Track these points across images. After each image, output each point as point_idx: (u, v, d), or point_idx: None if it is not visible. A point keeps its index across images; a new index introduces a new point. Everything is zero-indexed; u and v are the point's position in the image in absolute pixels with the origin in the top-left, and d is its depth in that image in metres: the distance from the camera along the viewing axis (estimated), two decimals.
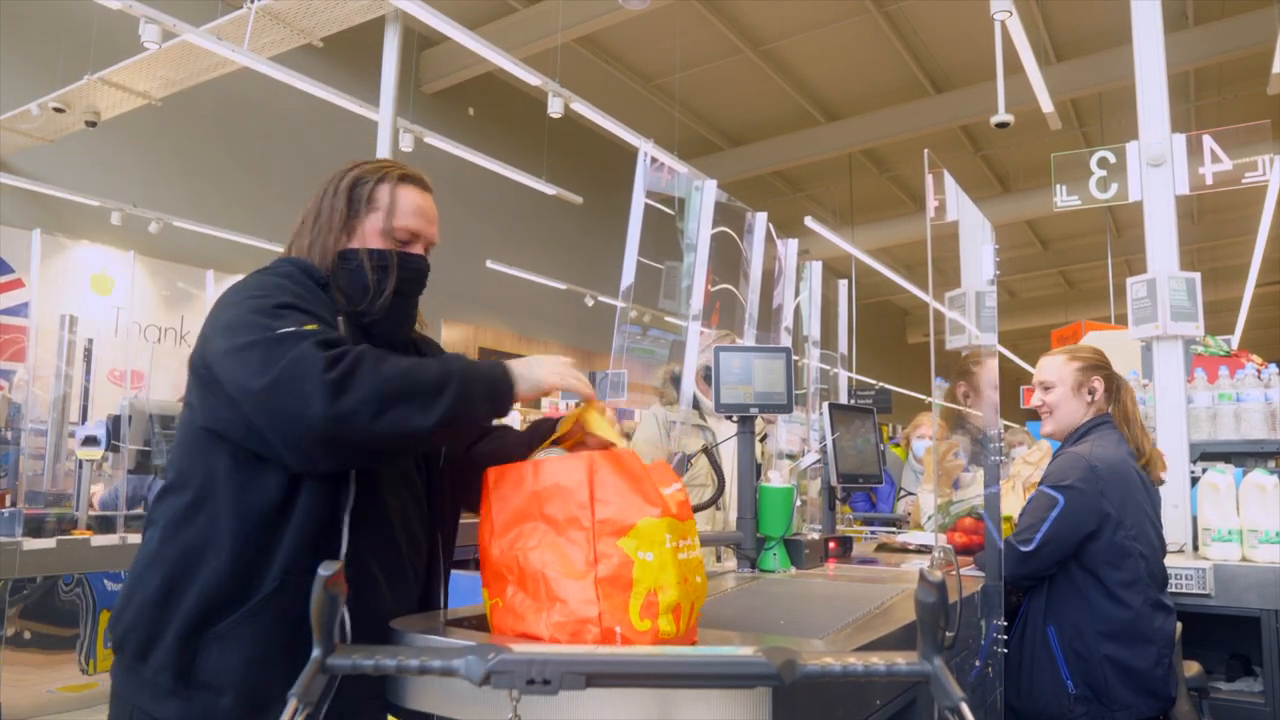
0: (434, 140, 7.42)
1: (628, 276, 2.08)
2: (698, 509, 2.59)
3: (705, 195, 2.29)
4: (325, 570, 0.97)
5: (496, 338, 11.84)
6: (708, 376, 2.53)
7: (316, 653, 0.97)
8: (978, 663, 1.99)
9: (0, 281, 7.55)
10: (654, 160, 2.08)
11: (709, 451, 2.42)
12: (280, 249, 1.62)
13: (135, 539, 4.04)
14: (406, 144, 6.55)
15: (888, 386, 11.84)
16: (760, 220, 2.65)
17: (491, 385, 1.39)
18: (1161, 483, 2.77)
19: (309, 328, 1.30)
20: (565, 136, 11.25)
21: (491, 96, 11.51)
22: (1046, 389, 2.76)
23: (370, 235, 1.55)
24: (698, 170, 8.47)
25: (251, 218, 8.67)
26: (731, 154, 13.57)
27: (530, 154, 10.50)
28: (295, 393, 1.22)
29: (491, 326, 11.76)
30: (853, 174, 14.18)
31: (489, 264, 10.41)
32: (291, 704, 0.93)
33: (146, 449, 4.31)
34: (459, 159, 8.30)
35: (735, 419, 2.39)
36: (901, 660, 0.95)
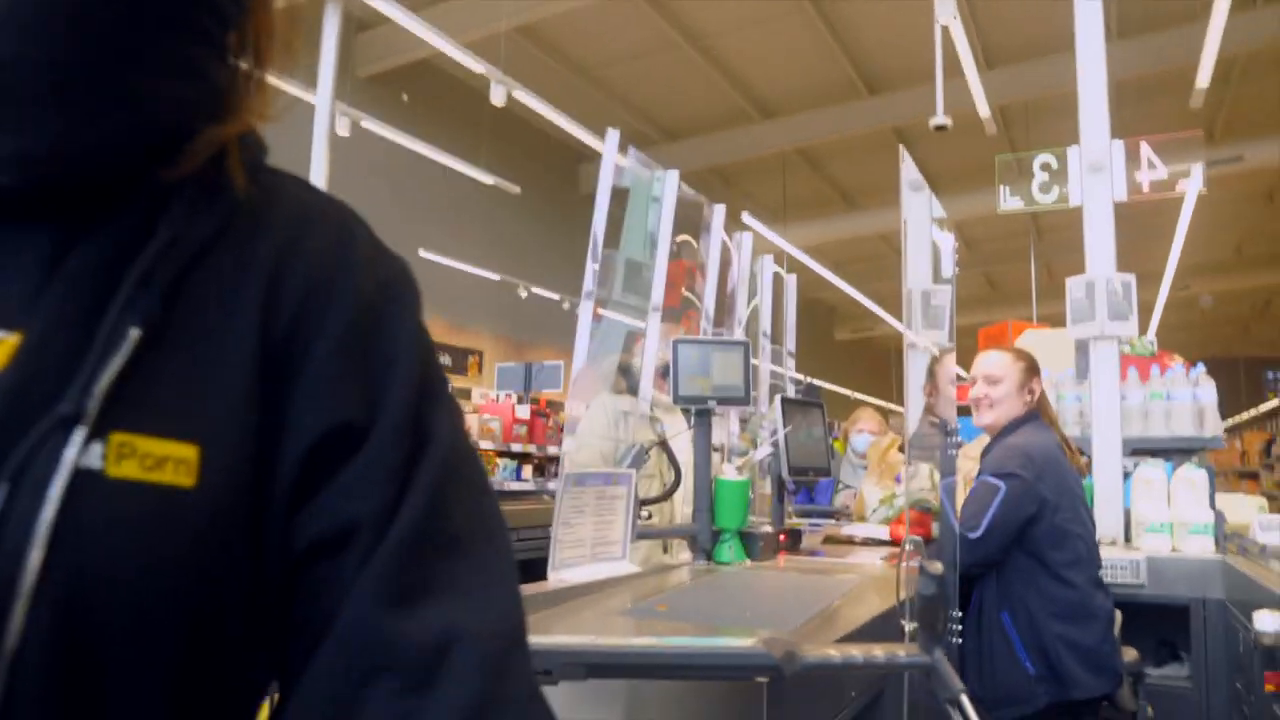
0: (371, 125, 7.26)
1: (590, 280, 2.04)
2: (653, 502, 2.59)
3: (667, 186, 2.28)
4: None
5: (429, 327, 11.63)
6: (664, 370, 2.52)
7: None
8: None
9: None
10: (622, 150, 2.05)
11: (666, 444, 2.41)
12: None
13: None
14: (343, 128, 6.40)
15: (815, 382, 11.99)
16: (719, 213, 2.65)
17: None
18: (1083, 472, 2.90)
19: None
20: (501, 127, 11.12)
21: (427, 83, 11.32)
22: (992, 383, 2.83)
23: None
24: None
25: None
26: (668, 148, 13.59)
27: (465, 143, 10.35)
28: None
29: (424, 315, 11.57)
30: (786, 172, 14.32)
31: (422, 253, 10.24)
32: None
33: None
34: (393, 146, 8.14)
35: (692, 411, 2.39)
36: (902, 652, 0.95)
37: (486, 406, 7.28)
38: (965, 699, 0.89)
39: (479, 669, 0.47)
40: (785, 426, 2.72)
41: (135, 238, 0.49)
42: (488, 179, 8.88)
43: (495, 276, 11.42)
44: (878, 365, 24.19)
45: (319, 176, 5.01)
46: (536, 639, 0.93)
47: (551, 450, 7.46)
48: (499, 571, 0.54)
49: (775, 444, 2.71)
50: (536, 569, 1.73)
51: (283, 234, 0.56)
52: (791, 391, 3.58)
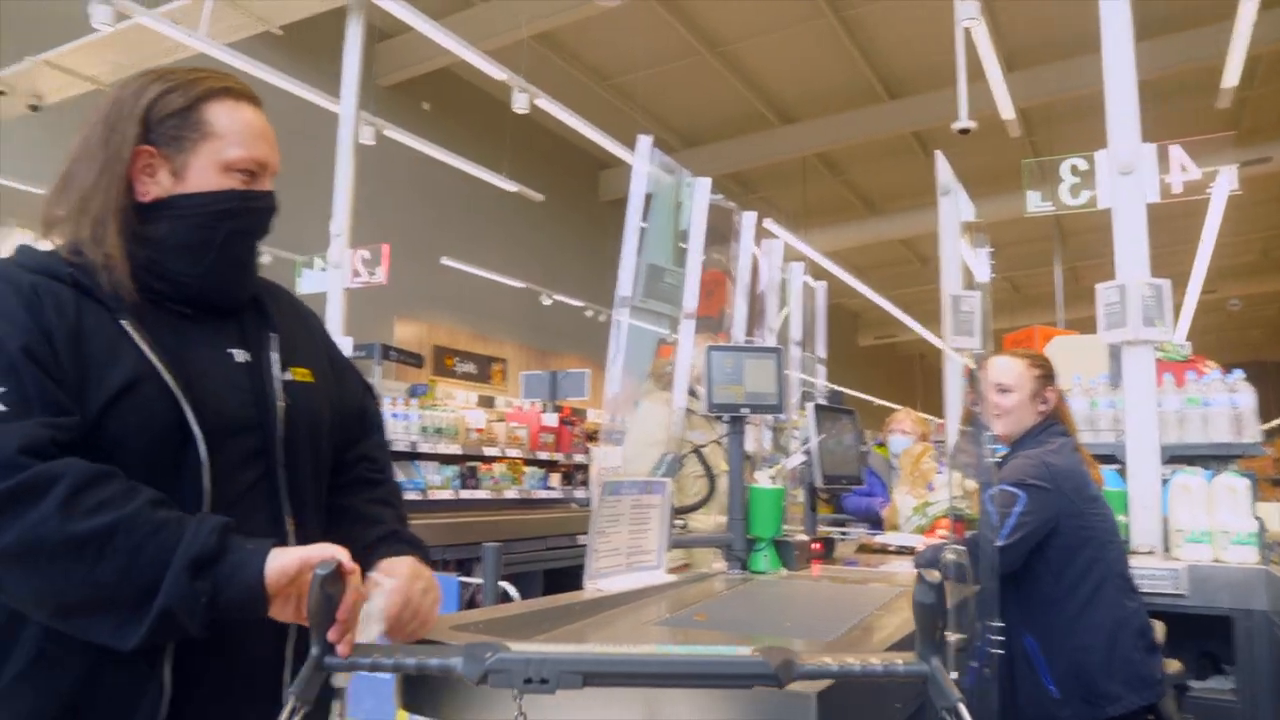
0: (394, 134, 7.29)
1: (624, 285, 2.02)
2: (688, 510, 2.57)
3: (698, 192, 2.26)
4: (323, 570, 0.96)
5: (451, 336, 11.70)
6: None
7: (314, 652, 0.96)
8: (974, 664, 2.00)
9: None
10: (653, 153, 2.04)
11: (699, 451, 2.39)
12: None
13: None
14: (367, 137, 6.43)
15: (839, 389, 11.94)
16: (748, 221, 2.63)
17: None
18: (1101, 482, 2.82)
19: None
20: (522, 134, 11.15)
21: (447, 92, 11.37)
22: (1004, 391, 2.74)
23: (197, 176, 1.24)
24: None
25: None
26: (687, 155, 13.59)
27: (486, 151, 10.38)
28: None
29: (445, 324, 11.62)
30: (806, 178, 14.29)
31: (444, 261, 10.28)
32: (290, 703, 0.92)
33: None
34: (415, 154, 8.18)
35: (726, 419, 2.37)
36: (899, 660, 0.95)
37: (513, 415, 7.28)
38: (962, 707, 0.89)
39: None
40: (818, 434, 2.69)
41: (258, 307, 1.37)
42: (510, 186, 8.90)
43: (518, 284, 11.44)
44: (902, 371, 24.12)
45: (344, 185, 5.04)
46: (533, 646, 0.93)
47: (578, 459, 7.45)
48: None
49: (808, 452, 2.68)
50: (566, 576, 1.72)
51: (301, 305, 1.51)
52: (823, 394, 3.55)
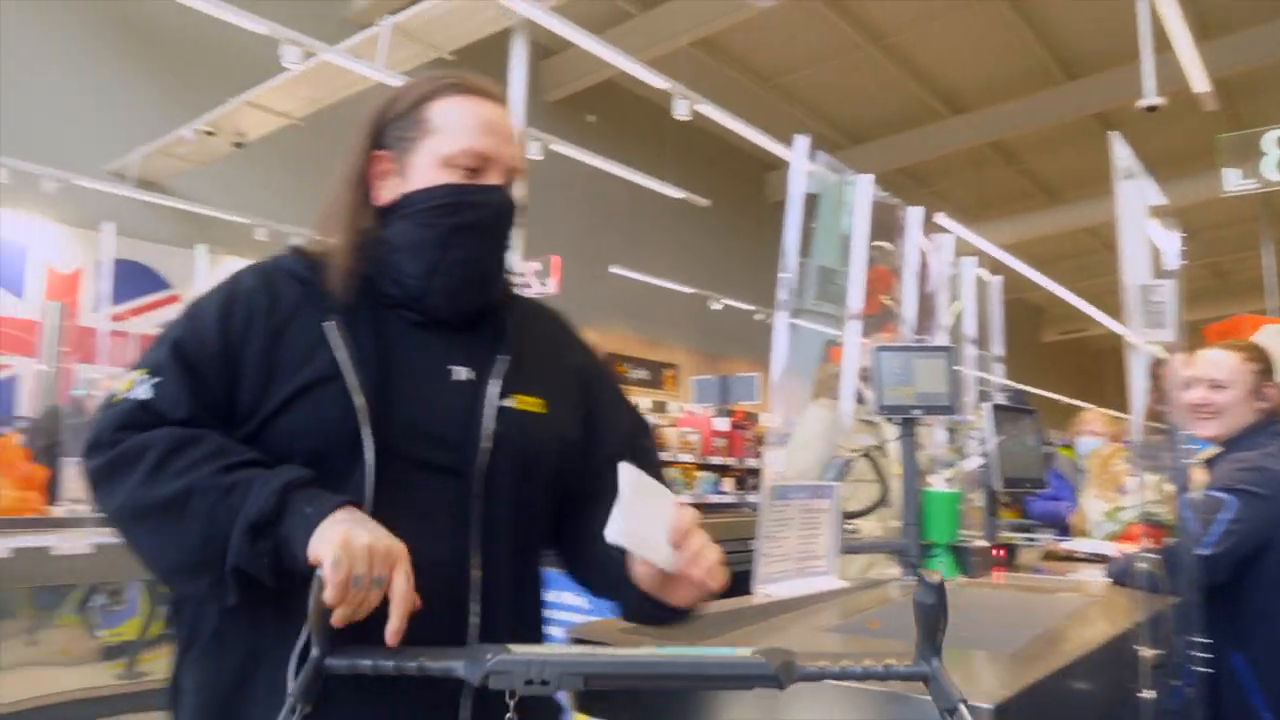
0: (560, 148, 7.50)
1: (784, 289, 2.00)
2: (859, 515, 2.53)
3: (860, 191, 2.22)
4: (323, 571, 0.96)
5: (622, 343, 11.91)
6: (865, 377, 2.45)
7: (315, 653, 0.95)
8: (1178, 683, 1.86)
9: (158, 297, 8.00)
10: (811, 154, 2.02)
11: (870, 454, 2.34)
12: None
13: None
14: (535, 152, 6.65)
15: (1022, 387, 11.41)
16: (915, 216, 2.55)
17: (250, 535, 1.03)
18: None
19: (121, 393, 1.12)
20: (686, 140, 11.23)
21: (611, 103, 11.60)
22: (1217, 388, 2.51)
23: (419, 174, 1.23)
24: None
25: None
26: (853, 152, 13.32)
27: (651, 159, 10.52)
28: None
29: (616, 332, 11.83)
30: (981, 168, 13.74)
31: (613, 269, 10.48)
32: (289, 703, 0.92)
33: None
34: (583, 167, 8.39)
35: (898, 421, 2.31)
36: (899, 661, 0.95)
37: (685, 420, 7.35)
38: (964, 709, 0.89)
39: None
40: (996, 435, 2.59)
41: (497, 325, 1.27)
42: (676, 193, 8.98)
43: (687, 290, 11.52)
44: (1091, 368, 22.74)
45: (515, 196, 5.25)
46: (534, 648, 0.94)
47: (750, 463, 7.43)
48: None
49: (986, 454, 2.58)
50: (740, 581, 1.73)
51: (564, 323, 1.44)
52: (1001, 398, 3.40)
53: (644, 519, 1.07)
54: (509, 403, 1.21)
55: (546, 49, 10.56)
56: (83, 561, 2.82)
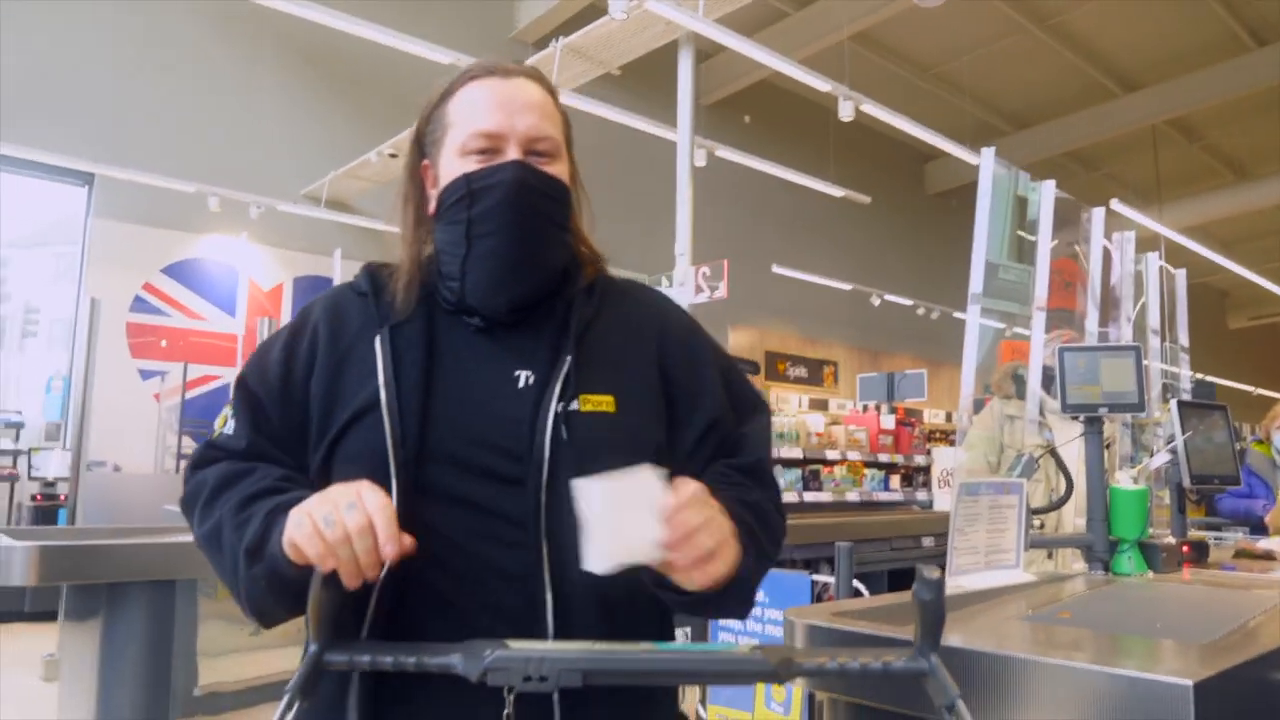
0: (724, 153, 7.65)
1: (976, 282, 2.10)
2: (1043, 511, 2.58)
3: (1044, 195, 2.28)
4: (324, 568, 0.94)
5: (782, 341, 11.97)
6: (1050, 380, 2.51)
7: (314, 648, 0.93)
8: None
9: None
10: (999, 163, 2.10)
11: (1055, 453, 2.39)
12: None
13: None
14: (699, 159, 6.82)
15: (1207, 378, 10.80)
16: (1098, 217, 2.58)
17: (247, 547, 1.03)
18: None
19: (217, 431, 1.16)
20: (844, 135, 11.19)
21: (767, 102, 11.66)
22: None
23: (445, 174, 1.17)
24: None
25: None
26: (1018, 138, 12.92)
27: (807, 153, 10.54)
28: None
29: (777, 330, 11.90)
30: (1157, 146, 13.05)
31: (775, 269, 10.55)
32: (286, 697, 0.90)
33: None
34: (741, 168, 8.51)
35: (1082, 419, 2.36)
36: (898, 658, 0.95)
37: (851, 418, 7.37)
38: (961, 704, 0.88)
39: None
40: (1183, 432, 2.58)
41: (563, 318, 1.17)
42: (837, 192, 8.98)
43: (846, 286, 11.48)
44: None
45: (684, 207, 5.41)
46: (533, 644, 0.95)
47: (918, 460, 7.38)
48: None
49: (1173, 451, 2.58)
50: (908, 577, 1.80)
51: (654, 309, 1.28)
52: (1188, 388, 3.35)
53: (627, 524, 0.94)
54: (572, 405, 1.11)
55: (702, 53, 10.73)
56: None
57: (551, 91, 1.22)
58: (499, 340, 1.16)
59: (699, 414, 1.21)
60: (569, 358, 1.13)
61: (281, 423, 1.14)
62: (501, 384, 1.13)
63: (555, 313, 1.18)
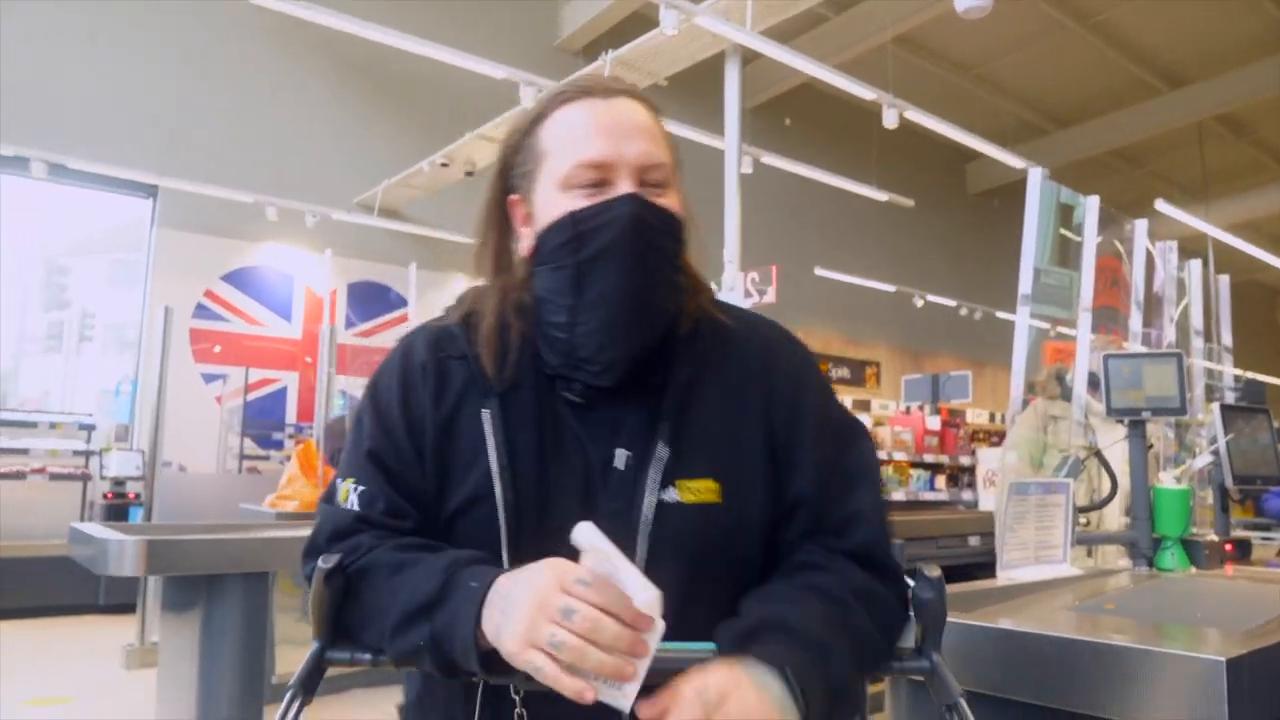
0: (770, 160, 7.76)
1: (1025, 284, 2.21)
2: (1088, 510, 2.69)
3: (1089, 209, 2.39)
4: (325, 563, 0.92)
5: (824, 342, 12.04)
6: (1093, 382, 2.62)
7: (316, 645, 0.94)
8: None
9: (398, 314, 8.91)
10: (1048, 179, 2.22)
11: (1100, 454, 2.50)
12: None
13: None
14: (746, 166, 6.94)
15: (1257, 377, 10.70)
16: (1140, 229, 2.69)
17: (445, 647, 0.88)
18: None
19: (340, 503, 1.04)
20: (885, 137, 11.25)
21: (807, 105, 11.73)
22: None
23: (543, 211, 1.03)
24: (1027, 158, 8.19)
25: None
26: (1060, 136, 12.87)
27: (849, 155, 10.60)
28: None
29: (820, 332, 11.97)
30: (1204, 142, 12.93)
31: (818, 271, 10.62)
32: (288, 694, 0.90)
33: None
34: (784, 172, 8.62)
35: (1126, 422, 2.46)
36: (900, 656, 0.97)
37: (896, 418, 7.45)
38: (963, 702, 0.88)
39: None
40: (1226, 434, 2.67)
41: (661, 384, 1.02)
42: (880, 196, 9.05)
43: (889, 288, 11.51)
44: None
45: (732, 214, 5.54)
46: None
47: (964, 460, 7.45)
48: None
49: (1215, 452, 2.68)
50: (956, 574, 1.86)
51: (757, 360, 1.08)
52: (1230, 386, 3.43)
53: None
54: (669, 495, 0.99)
55: (744, 58, 10.83)
56: None
57: (656, 112, 1.08)
58: (599, 414, 1.03)
59: (788, 493, 1.05)
60: (662, 442, 1.00)
61: (417, 484, 1.03)
62: (603, 468, 1.01)
63: (653, 371, 1.03)
